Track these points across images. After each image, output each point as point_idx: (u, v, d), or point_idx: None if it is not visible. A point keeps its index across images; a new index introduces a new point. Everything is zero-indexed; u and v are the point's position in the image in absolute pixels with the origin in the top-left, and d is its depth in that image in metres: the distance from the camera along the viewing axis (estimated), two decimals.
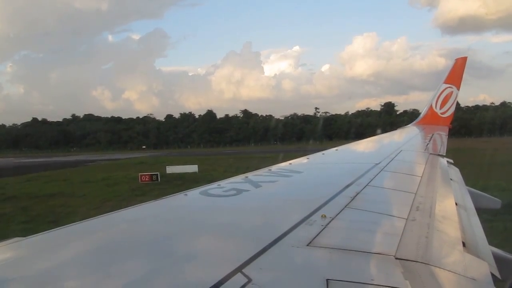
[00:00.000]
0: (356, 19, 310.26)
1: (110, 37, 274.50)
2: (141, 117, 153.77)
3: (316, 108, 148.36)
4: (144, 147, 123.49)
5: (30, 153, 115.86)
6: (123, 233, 2.49)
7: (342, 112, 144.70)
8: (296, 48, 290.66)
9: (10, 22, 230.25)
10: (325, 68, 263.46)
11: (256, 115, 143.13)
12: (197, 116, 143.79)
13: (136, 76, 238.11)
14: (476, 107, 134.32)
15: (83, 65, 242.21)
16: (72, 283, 1.77)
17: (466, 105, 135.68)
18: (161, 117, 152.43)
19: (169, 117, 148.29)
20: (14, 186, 36.37)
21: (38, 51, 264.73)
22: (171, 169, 42.50)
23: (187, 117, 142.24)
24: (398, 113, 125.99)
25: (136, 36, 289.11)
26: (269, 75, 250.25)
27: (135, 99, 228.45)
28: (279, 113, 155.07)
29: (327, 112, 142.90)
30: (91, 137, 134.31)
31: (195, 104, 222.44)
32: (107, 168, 54.72)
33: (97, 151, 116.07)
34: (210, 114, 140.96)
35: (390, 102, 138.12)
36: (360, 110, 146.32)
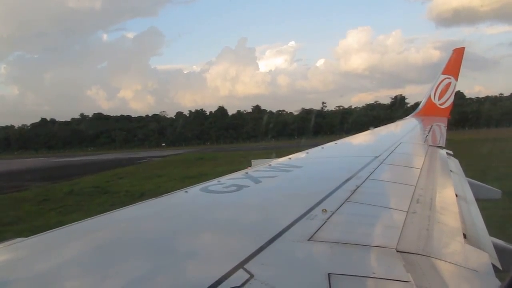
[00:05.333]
0: (350, 13, 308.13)
1: (105, 36, 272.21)
2: (150, 115, 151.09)
3: (323, 103, 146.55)
4: (163, 144, 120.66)
5: (48, 153, 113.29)
6: (125, 231, 2.50)
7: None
8: (292, 43, 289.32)
9: (2, 23, 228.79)
10: (320, 63, 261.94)
11: (265, 110, 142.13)
12: (208, 113, 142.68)
13: (134, 74, 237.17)
14: (486, 98, 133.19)
15: (78, 65, 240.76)
16: (75, 282, 1.78)
17: (475, 96, 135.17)
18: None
19: (179, 114, 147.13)
20: (119, 183, 32.02)
21: (32, 51, 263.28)
22: (256, 163, 40.69)
23: (198, 114, 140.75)
24: (409, 105, 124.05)
25: (131, 35, 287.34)
26: (264, 71, 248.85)
27: (134, 98, 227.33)
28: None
29: (340, 106, 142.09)
30: (104, 136, 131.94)
31: (191, 101, 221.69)
32: (176, 163, 49.46)
33: (114, 149, 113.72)
34: (221, 110, 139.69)
35: (400, 95, 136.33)
36: (369, 103, 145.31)
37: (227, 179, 3.90)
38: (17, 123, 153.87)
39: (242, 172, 4.34)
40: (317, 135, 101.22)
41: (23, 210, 21.05)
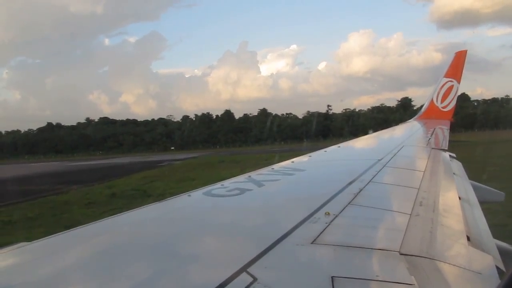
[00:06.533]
0: (352, 16, 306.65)
1: (107, 41, 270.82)
2: (156, 119, 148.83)
3: (328, 106, 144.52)
4: (172, 148, 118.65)
5: (57, 158, 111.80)
6: (128, 235, 2.50)
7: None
8: (293, 46, 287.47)
9: (5, 28, 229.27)
10: (322, 66, 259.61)
11: (270, 114, 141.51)
12: (214, 117, 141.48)
13: (136, 78, 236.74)
14: (494, 100, 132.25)
15: (81, 69, 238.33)
16: (78, 287, 1.78)
17: (477, 98, 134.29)
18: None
19: (185, 117, 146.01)
20: (157, 186, 30.31)
21: (34, 56, 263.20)
22: None
23: (205, 118, 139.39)
24: (415, 107, 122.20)
25: (133, 39, 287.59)
26: (266, 75, 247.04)
27: (136, 102, 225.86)
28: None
29: (347, 109, 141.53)
30: (111, 140, 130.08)
31: (192, 105, 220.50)
32: (200, 166, 47.38)
33: (123, 153, 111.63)
34: (228, 114, 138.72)
35: (406, 98, 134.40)
36: (374, 106, 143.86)
37: (230, 183, 3.91)
38: (19, 127, 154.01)
39: (245, 175, 4.35)
40: (326, 138, 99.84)
41: (75, 213, 20.28)
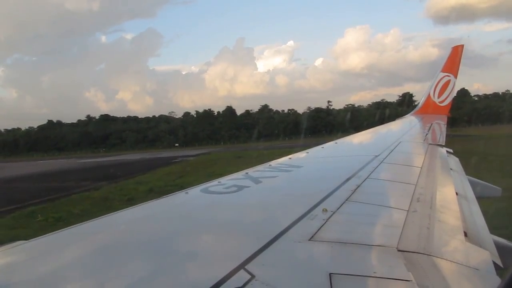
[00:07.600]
0: (348, 12, 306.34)
1: (103, 38, 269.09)
2: (156, 116, 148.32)
3: (328, 102, 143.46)
4: (177, 145, 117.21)
5: (61, 155, 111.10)
6: (126, 233, 2.50)
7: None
8: (290, 43, 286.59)
9: (1, 26, 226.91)
10: (318, 62, 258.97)
11: (271, 110, 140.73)
12: (215, 113, 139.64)
13: (133, 76, 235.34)
14: (495, 94, 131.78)
15: (77, 67, 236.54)
16: (76, 285, 1.78)
17: (474, 93, 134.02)
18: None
19: (187, 114, 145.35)
20: (189, 182, 27.36)
21: (30, 54, 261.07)
22: None
23: (207, 114, 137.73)
24: (416, 102, 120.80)
25: (129, 36, 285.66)
26: (263, 71, 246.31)
27: (133, 99, 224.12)
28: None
29: (349, 104, 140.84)
30: (114, 137, 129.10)
31: (189, 102, 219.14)
32: (219, 162, 46.07)
33: (126, 150, 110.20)
34: (230, 110, 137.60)
35: (407, 93, 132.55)
36: (375, 101, 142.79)
37: (228, 180, 3.91)
38: (19, 125, 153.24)
39: (243, 172, 4.35)
40: (330, 133, 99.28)
41: (120, 208, 19.23)
